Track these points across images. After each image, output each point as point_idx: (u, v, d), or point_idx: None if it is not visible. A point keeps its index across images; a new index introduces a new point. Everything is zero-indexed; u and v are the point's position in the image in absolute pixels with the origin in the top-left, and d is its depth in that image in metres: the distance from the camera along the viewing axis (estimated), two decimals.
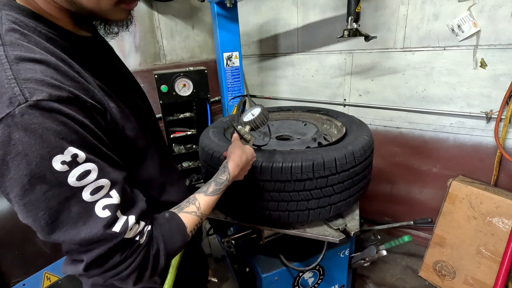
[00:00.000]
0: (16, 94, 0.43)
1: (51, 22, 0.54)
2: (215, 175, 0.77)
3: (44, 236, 0.48)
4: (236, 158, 0.81)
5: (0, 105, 0.42)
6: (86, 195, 0.48)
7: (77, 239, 0.48)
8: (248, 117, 0.95)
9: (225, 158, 0.86)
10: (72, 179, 0.46)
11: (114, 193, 0.52)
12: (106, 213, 0.50)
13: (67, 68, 0.50)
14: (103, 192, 0.50)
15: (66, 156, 0.45)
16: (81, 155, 0.47)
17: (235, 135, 0.94)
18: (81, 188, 0.48)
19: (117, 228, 0.51)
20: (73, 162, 0.46)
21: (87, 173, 0.48)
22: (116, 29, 0.63)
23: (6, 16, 0.49)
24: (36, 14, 0.52)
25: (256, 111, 0.95)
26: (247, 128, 0.94)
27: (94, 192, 0.49)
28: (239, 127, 0.95)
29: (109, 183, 0.51)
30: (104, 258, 0.52)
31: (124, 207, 0.54)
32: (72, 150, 0.46)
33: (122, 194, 0.53)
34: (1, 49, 0.45)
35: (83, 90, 0.51)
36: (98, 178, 0.49)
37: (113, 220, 0.51)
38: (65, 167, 0.46)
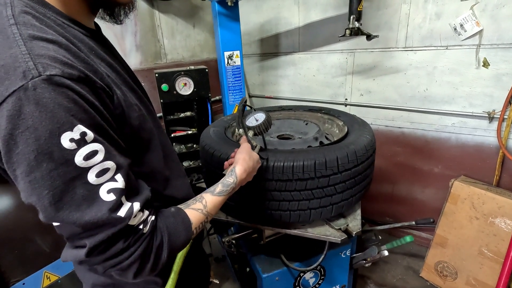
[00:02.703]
0: (30, 68, 0.43)
1: (60, 11, 0.55)
2: (223, 178, 0.78)
3: (47, 216, 0.48)
4: (244, 163, 0.81)
5: (14, 77, 0.43)
6: (91, 177, 0.48)
7: (81, 221, 0.48)
8: (251, 121, 0.95)
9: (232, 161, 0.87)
10: (79, 158, 0.46)
11: (119, 177, 0.51)
12: (111, 197, 0.50)
13: (77, 50, 0.52)
14: (108, 175, 0.50)
15: (75, 134, 0.45)
16: (90, 134, 0.47)
17: (243, 139, 0.94)
18: (87, 169, 0.47)
19: (122, 213, 0.51)
20: (82, 141, 0.46)
21: (94, 153, 0.48)
22: (122, 16, 0.66)
23: (17, 1, 0.50)
24: (46, 2, 0.54)
25: (261, 117, 0.94)
26: (250, 133, 0.94)
27: (99, 174, 0.49)
28: (249, 132, 0.95)
29: (115, 166, 0.51)
30: (107, 244, 0.51)
31: (128, 193, 0.53)
32: (81, 128, 0.46)
33: (127, 179, 0.53)
34: (15, 28, 0.46)
35: (93, 71, 0.52)
36: (104, 159, 0.49)
37: (118, 204, 0.51)
38: (73, 145, 0.45)
